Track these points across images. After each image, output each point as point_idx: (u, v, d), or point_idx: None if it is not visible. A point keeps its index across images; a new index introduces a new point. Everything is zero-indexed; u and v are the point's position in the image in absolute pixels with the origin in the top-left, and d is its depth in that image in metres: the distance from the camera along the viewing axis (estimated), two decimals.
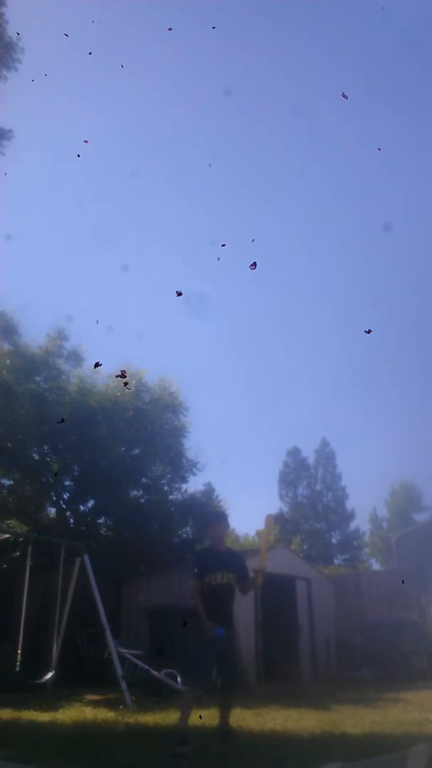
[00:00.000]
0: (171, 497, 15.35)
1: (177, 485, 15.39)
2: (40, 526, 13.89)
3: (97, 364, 7.32)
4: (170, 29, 16.91)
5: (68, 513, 14.54)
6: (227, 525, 5.17)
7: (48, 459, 14.25)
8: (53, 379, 13.61)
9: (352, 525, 38.30)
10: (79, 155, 7.02)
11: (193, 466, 15.03)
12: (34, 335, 14.13)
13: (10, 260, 31.93)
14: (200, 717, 4.47)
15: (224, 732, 4.31)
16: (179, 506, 15.11)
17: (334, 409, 51.41)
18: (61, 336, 14.10)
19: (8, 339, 13.29)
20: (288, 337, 49.02)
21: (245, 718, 5.53)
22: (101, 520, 15.04)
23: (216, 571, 4.55)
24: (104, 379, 13.84)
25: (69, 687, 8.60)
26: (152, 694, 8.05)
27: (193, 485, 16.35)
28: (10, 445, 12.61)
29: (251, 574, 4.74)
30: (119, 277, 52.25)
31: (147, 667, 8.51)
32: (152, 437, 13.96)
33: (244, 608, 10.88)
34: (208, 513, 13.47)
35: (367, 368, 52.46)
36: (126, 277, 53.93)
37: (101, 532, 14.80)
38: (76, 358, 14.20)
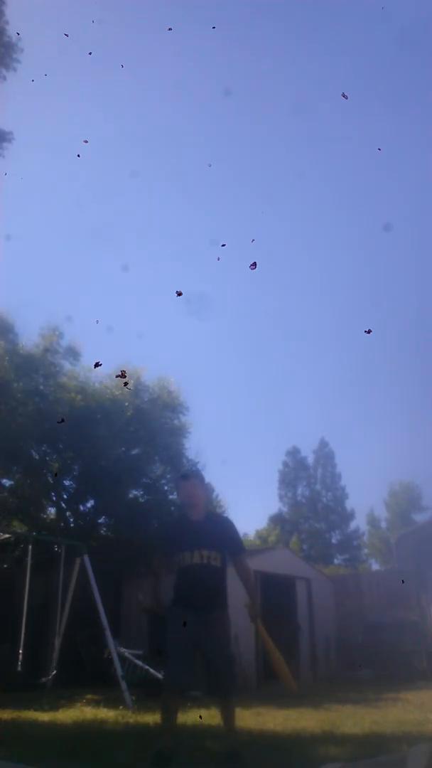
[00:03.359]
0: (171, 497, 15.34)
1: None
2: (40, 526, 13.88)
3: (97, 364, 7.29)
4: (170, 29, 16.87)
5: (68, 513, 14.53)
6: (202, 484, 3.89)
7: (48, 459, 14.25)
8: (52, 376, 13.62)
9: (352, 525, 38.34)
10: (79, 155, 7.00)
11: (193, 466, 15.03)
12: (32, 335, 14.16)
13: (10, 260, 31.96)
14: (200, 717, 4.46)
15: (229, 752, 3.48)
16: (179, 506, 15.09)
17: (334, 409, 51.46)
18: (56, 333, 14.10)
19: (5, 337, 13.30)
20: (288, 337, 49.06)
21: (245, 718, 5.53)
22: (101, 520, 15.04)
23: (192, 548, 3.56)
24: (103, 378, 13.86)
25: (69, 687, 8.60)
26: (152, 694, 8.05)
27: None
28: (10, 444, 12.59)
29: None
30: (119, 277, 52.32)
31: (147, 667, 8.51)
32: (152, 437, 13.95)
33: (244, 608, 10.88)
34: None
35: (367, 368, 52.54)
36: (126, 277, 54.02)
37: (101, 532, 14.80)
38: (72, 353, 14.21)
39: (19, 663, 7.69)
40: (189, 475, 4.08)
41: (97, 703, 7.17)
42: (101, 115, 34.91)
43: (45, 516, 15.03)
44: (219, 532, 3.70)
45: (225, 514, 20.77)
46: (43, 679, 8.47)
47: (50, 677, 8.61)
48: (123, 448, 14.02)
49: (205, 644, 3.50)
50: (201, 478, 3.93)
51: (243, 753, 3.46)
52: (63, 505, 14.58)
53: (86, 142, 7.59)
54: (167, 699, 3.60)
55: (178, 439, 14.64)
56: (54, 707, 6.74)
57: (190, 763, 3.53)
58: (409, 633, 12.50)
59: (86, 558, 8.93)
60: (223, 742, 3.63)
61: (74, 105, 32.79)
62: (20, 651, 7.78)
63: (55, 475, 13.97)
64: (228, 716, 3.55)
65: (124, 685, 7.60)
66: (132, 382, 13.94)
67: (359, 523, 38.58)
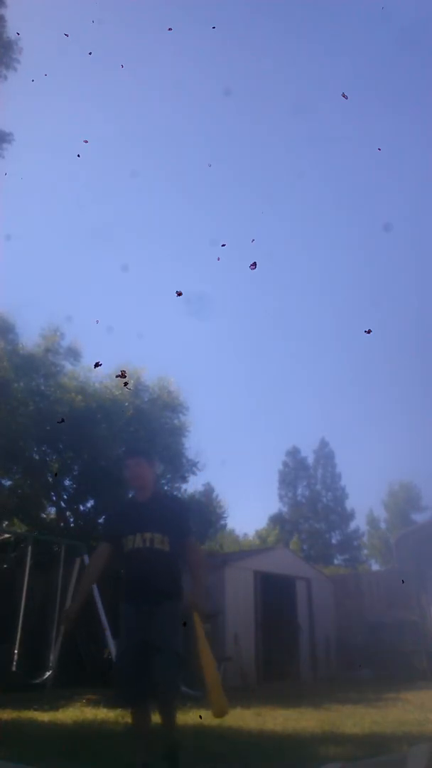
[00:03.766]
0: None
1: (177, 485, 15.39)
2: (40, 526, 13.89)
3: (97, 364, 7.31)
4: (170, 29, 16.93)
5: (68, 513, 14.54)
6: (149, 462, 3.44)
7: (48, 459, 14.25)
8: (53, 376, 13.63)
9: (352, 525, 38.37)
10: (79, 155, 7.01)
11: (193, 466, 15.03)
12: (32, 335, 14.17)
13: (10, 260, 31.99)
14: (200, 717, 4.46)
15: (167, 753, 3.08)
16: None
17: (334, 409, 51.55)
18: (57, 333, 14.12)
19: (5, 338, 13.32)
20: (288, 337, 49.14)
21: (245, 718, 5.53)
22: (101, 520, 15.04)
23: (135, 531, 3.16)
24: (103, 378, 13.87)
25: (69, 687, 8.60)
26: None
27: (193, 485, 16.34)
28: (10, 444, 12.60)
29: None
30: (119, 277, 52.39)
31: None
32: (152, 437, 13.95)
33: (244, 607, 10.88)
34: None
35: (367, 368, 52.62)
36: (126, 277, 54.09)
37: (101, 531, 14.80)
38: (73, 354, 14.22)
39: (14, 663, 7.69)
40: (133, 453, 3.62)
41: (97, 703, 7.16)
42: (101, 115, 34.98)
43: (45, 516, 15.04)
44: (167, 512, 3.25)
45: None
46: (38, 680, 8.46)
47: (46, 677, 8.60)
48: (123, 448, 14.02)
49: (150, 639, 3.01)
50: (147, 455, 3.54)
51: (181, 750, 3.15)
52: (63, 505, 14.59)
53: (86, 142, 7.62)
54: (132, 716, 3.22)
55: (178, 439, 14.65)
56: (54, 707, 6.74)
57: (190, 763, 3.53)
58: (409, 633, 12.52)
59: (86, 558, 8.92)
60: (165, 741, 3.12)
61: (74, 105, 32.83)
62: (15, 651, 7.78)
63: (55, 475, 13.98)
64: (165, 718, 3.08)
65: None
66: (132, 382, 13.95)
67: (359, 523, 38.64)
